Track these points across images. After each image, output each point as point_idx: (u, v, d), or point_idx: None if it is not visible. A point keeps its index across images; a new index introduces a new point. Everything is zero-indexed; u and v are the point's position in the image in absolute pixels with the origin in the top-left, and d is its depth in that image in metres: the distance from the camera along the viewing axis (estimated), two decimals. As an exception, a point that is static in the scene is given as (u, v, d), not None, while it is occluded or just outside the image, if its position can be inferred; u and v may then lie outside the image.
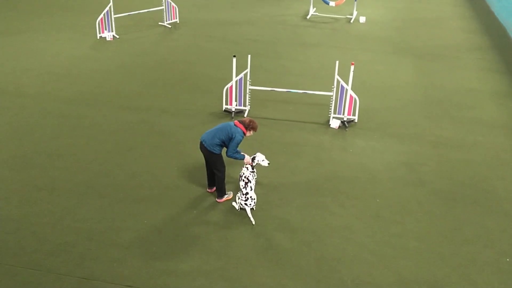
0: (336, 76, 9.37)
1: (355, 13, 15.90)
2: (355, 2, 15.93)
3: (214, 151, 6.98)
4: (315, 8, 16.29)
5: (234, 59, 9.51)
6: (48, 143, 8.76)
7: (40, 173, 7.90)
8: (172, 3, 14.88)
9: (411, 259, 6.39)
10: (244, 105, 9.96)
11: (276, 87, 10.39)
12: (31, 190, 7.50)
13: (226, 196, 7.41)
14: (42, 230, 6.69)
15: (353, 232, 6.82)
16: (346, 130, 9.34)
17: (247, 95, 9.93)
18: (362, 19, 15.59)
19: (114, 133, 9.12)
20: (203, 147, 7.05)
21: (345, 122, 9.47)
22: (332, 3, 15.53)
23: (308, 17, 15.79)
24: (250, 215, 6.97)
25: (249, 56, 9.77)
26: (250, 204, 7.05)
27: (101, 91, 10.72)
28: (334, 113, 9.69)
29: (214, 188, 7.52)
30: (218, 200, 7.37)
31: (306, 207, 7.30)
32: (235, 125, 7.04)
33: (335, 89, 9.54)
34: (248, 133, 7.12)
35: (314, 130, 9.34)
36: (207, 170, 7.45)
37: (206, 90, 10.82)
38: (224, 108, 9.90)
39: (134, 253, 6.36)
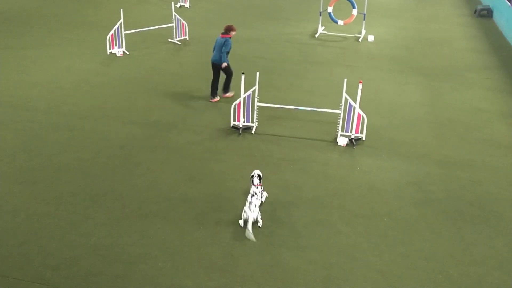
0: (344, 94, 9.38)
1: (363, 32, 15.97)
2: (364, 21, 16.01)
3: (220, 62, 10.60)
4: (323, 27, 16.39)
5: (243, 76, 9.56)
6: (56, 157, 8.80)
7: (47, 187, 7.93)
8: (182, 20, 15.03)
9: (419, 280, 6.31)
10: (252, 122, 9.98)
11: (284, 104, 10.41)
12: (38, 204, 7.52)
13: (229, 93, 11.13)
14: (47, 244, 6.68)
15: (360, 251, 6.76)
16: (354, 148, 9.31)
17: (255, 112, 9.95)
18: (371, 38, 15.65)
19: (121, 148, 9.16)
20: (212, 64, 10.74)
21: (353, 140, 9.46)
22: (340, 22, 15.62)
23: (316, 35, 15.88)
24: (248, 228, 6.86)
25: (258, 73, 9.82)
26: (243, 216, 7.03)
27: (110, 106, 10.78)
28: (342, 131, 9.68)
29: (216, 98, 10.95)
30: (224, 95, 11.04)
31: (313, 225, 7.26)
32: (223, 37, 10.51)
33: (343, 107, 9.54)
34: (232, 34, 10.62)
35: (321, 148, 9.33)
36: (212, 82, 10.86)
37: (214, 106, 10.86)
38: (232, 125, 9.92)
39: (139, 268, 6.33)
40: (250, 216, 6.91)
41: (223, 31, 10.65)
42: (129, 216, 7.33)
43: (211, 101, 10.94)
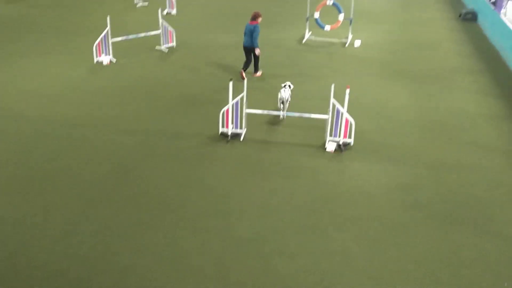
0: (332, 99, 9.42)
1: (350, 36, 16.08)
2: (350, 26, 16.12)
3: (251, 46, 12.37)
4: (310, 32, 16.47)
5: (231, 83, 9.57)
6: (44, 166, 8.73)
7: (35, 197, 7.86)
8: (169, 27, 15.02)
9: (409, 284, 6.34)
10: (241, 128, 9.99)
11: (272, 110, 10.43)
12: (26, 214, 7.45)
13: (259, 72, 12.95)
14: (36, 256, 6.62)
15: (351, 257, 6.78)
16: (343, 153, 9.35)
17: (244, 118, 9.96)
18: (357, 43, 15.75)
19: (111, 155, 9.11)
20: (245, 48, 12.45)
21: (341, 145, 9.49)
22: (327, 27, 15.71)
23: (304, 41, 15.95)
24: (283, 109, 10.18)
25: (246, 79, 9.81)
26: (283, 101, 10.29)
27: (98, 114, 10.73)
28: (330, 136, 9.72)
29: (244, 76, 12.38)
30: (254, 74, 12.82)
31: (304, 230, 7.27)
32: (252, 24, 12.22)
33: (330, 112, 9.59)
34: (259, 20, 12.35)
35: (310, 153, 9.36)
36: (244, 64, 12.60)
37: (203, 113, 10.86)
38: (220, 131, 9.91)
39: (130, 279, 6.29)
40: (284, 96, 10.24)
41: (250, 18, 12.37)
42: (120, 224, 7.28)
43: (241, 77, 12.58)
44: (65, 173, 8.55)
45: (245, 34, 12.52)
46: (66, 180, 8.35)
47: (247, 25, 12.42)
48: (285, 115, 10.03)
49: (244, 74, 12.53)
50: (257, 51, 12.43)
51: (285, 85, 10.61)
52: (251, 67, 13.07)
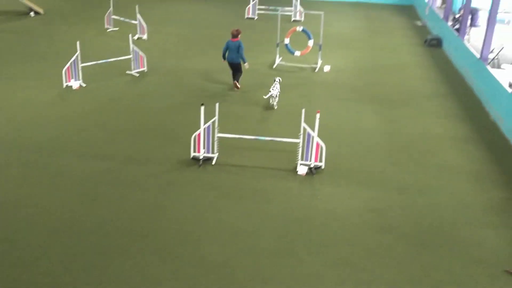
0: (303, 124, 9.51)
1: (320, 62, 16.34)
2: (320, 52, 16.40)
3: (238, 61, 13.37)
4: (281, 58, 16.69)
5: (202, 107, 9.58)
6: (10, 193, 8.51)
7: (0, 225, 7.63)
8: (140, 52, 15.00)
9: (382, 307, 6.35)
10: (213, 152, 9.97)
11: (244, 135, 10.47)
12: (-9, 243, 7.22)
13: (238, 84, 13.76)
14: (2, 285, 6.39)
15: (322, 281, 6.77)
16: (314, 176, 9.41)
17: (215, 142, 9.95)
18: (327, 68, 16.01)
19: (79, 182, 8.95)
20: (231, 64, 13.41)
21: (312, 169, 9.56)
22: (297, 53, 15.94)
23: (274, 66, 16.14)
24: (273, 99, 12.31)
25: (217, 104, 9.84)
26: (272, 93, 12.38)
27: (66, 139, 10.57)
28: (302, 159, 9.79)
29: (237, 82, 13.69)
30: (237, 83, 13.70)
31: (276, 255, 7.24)
32: (234, 41, 13.13)
33: (302, 136, 9.67)
34: (240, 36, 13.29)
35: (282, 177, 9.39)
36: (233, 73, 13.67)
37: (174, 138, 10.81)
38: (192, 156, 9.87)
39: (99, 307, 6.13)
40: (273, 94, 12.36)
41: (232, 36, 13.18)
42: (87, 252, 7.12)
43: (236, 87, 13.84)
44: (31, 200, 8.35)
45: (229, 51, 13.22)
46: (32, 207, 8.15)
47: (230, 43, 13.15)
48: (275, 105, 12.62)
49: (238, 84, 13.66)
50: (247, 65, 13.48)
51: (275, 80, 12.73)
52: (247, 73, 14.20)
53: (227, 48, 13.31)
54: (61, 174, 9.18)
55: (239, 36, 13.26)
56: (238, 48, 13.15)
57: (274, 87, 12.49)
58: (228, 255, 7.17)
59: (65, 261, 6.91)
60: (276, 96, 12.51)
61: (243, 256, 7.18)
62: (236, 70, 13.62)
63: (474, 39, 19.46)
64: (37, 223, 7.73)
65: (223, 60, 13.65)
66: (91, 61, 14.57)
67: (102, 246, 7.27)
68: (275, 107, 12.52)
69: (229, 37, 13.42)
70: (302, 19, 23.11)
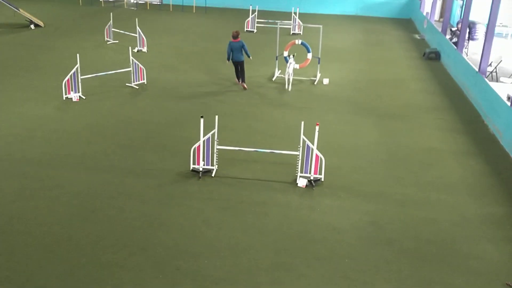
0: (302, 136, 9.52)
1: (318, 75, 16.40)
2: (319, 65, 16.47)
3: (243, 59, 14.61)
4: (280, 70, 16.74)
5: (202, 120, 9.58)
6: (8, 206, 8.48)
7: (-2, 238, 7.60)
8: (140, 65, 15.06)
9: (382, 321, 6.31)
10: (212, 165, 9.96)
11: (243, 147, 10.47)
12: (-12, 256, 7.18)
13: (244, 83, 14.96)
14: (-2, 299, 6.35)
15: (322, 294, 6.73)
16: (313, 189, 9.40)
17: (215, 155, 9.95)
18: (326, 81, 16.07)
19: (77, 195, 8.93)
20: (237, 62, 14.59)
21: (312, 181, 9.55)
22: (296, 66, 16.00)
23: (273, 78, 16.19)
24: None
25: (216, 116, 9.86)
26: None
27: (65, 152, 10.56)
28: (301, 172, 9.78)
29: (241, 83, 14.96)
30: (243, 84, 14.89)
31: (275, 269, 7.20)
32: (236, 41, 14.31)
33: (301, 148, 9.67)
34: (240, 38, 14.47)
35: (282, 189, 9.37)
36: (236, 72, 14.94)
37: (174, 150, 10.81)
38: (191, 168, 9.86)
39: (97, 321, 6.08)
40: (289, 71, 14.54)
41: (233, 37, 14.34)
42: (86, 265, 7.08)
43: (237, 84, 15.19)
44: (29, 213, 8.32)
45: (233, 50, 14.43)
46: (30, 220, 8.12)
47: (233, 43, 14.33)
48: (289, 87, 14.64)
49: (245, 85, 14.87)
50: (251, 58, 15.09)
51: (289, 56, 15.22)
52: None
53: (231, 49, 14.42)
54: (59, 187, 9.16)
55: (239, 36, 14.48)
56: (242, 47, 14.38)
57: (289, 65, 14.50)
58: (226, 269, 7.14)
59: (62, 275, 6.87)
60: (291, 74, 14.62)
61: (242, 270, 7.15)
62: (241, 68, 14.76)
63: (472, 52, 19.57)
64: (35, 237, 7.69)
65: (227, 61, 14.75)
66: (91, 74, 14.61)
67: (101, 259, 7.24)
68: (289, 89, 14.52)
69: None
70: (301, 32, 23.25)
